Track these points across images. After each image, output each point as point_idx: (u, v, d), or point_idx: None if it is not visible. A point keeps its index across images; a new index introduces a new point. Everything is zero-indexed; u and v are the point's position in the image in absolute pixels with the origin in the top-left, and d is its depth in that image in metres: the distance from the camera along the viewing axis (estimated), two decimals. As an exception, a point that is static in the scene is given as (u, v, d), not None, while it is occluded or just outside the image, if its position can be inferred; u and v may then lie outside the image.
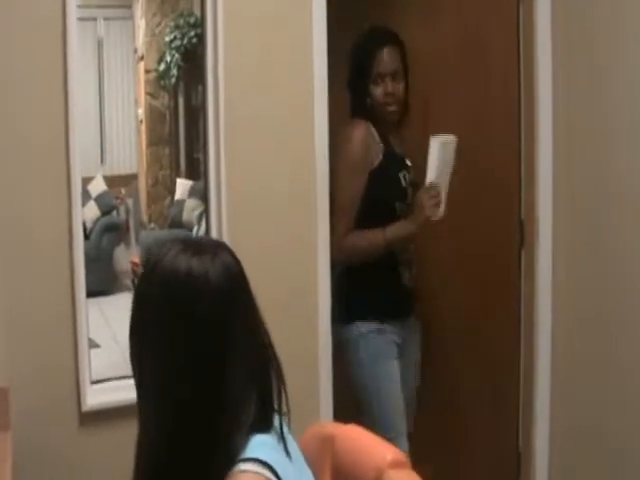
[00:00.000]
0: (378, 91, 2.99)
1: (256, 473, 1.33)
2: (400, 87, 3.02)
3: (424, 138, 3.39)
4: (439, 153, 2.84)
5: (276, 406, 1.49)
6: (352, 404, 3.04)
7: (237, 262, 1.48)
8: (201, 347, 1.39)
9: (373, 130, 3.02)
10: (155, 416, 1.44)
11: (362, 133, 2.96)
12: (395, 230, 2.94)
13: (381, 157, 3.02)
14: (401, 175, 3.08)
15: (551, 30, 3.22)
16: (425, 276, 3.41)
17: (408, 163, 3.17)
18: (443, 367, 3.49)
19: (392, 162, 3.05)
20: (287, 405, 1.52)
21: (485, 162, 3.39)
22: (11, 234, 2.56)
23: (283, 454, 1.42)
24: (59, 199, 2.63)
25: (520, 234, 3.36)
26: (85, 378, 2.69)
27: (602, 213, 3.12)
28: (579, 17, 3.18)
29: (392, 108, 3.04)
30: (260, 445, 1.39)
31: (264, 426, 1.43)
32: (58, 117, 2.62)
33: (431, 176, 2.88)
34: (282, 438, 1.44)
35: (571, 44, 3.22)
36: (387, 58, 2.97)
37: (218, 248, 1.47)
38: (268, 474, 1.34)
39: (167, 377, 1.41)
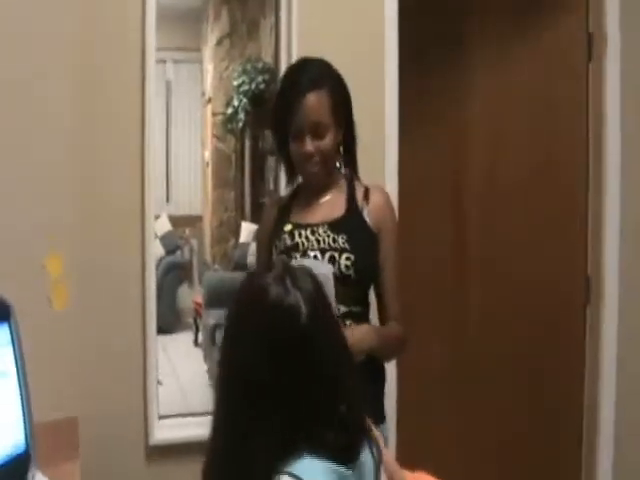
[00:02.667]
0: (295, 150, 2.37)
1: None
2: (325, 143, 2.34)
3: (491, 187, 3.41)
4: None
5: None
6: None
7: (319, 288, 1.50)
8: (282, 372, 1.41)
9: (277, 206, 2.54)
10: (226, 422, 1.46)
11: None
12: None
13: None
14: (287, 235, 2.42)
15: (620, 89, 3.22)
16: (489, 333, 3.38)
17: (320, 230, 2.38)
18: (505, 426, 3.43)
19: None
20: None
21: (551, 217, 3.36)
22: (88, 267, 2.63)
23: None
24: (134, 234, 2.72)
25: (586, 291, 3.33)
26: (153, 412, 2.76)
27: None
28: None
29: (312, 170, 2.38)
30: (308, 466, 1.39)
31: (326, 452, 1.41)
32: (135, 155, 2.72)
33: None
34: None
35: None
36: (307, 109, 2.32)
37: (305, 276, 1.49)
38: None
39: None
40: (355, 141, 2.45)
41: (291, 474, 1.35)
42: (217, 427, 1.47)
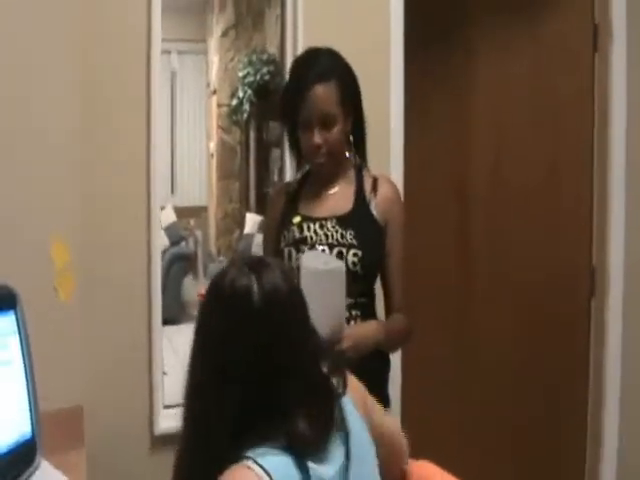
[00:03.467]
0: (304, 141, 2.40)
1: (255, 473, 1.35)
2: (333, 134, 2.36)
3: (495, 179, 3.40)
4: (309, 287, 1.72)
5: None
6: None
7: (287, 279, 1.51)
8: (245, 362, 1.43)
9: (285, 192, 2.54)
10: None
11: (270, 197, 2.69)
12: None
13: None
14: (296, 228, 2.43)
15: (626, 80, 3.21)
16: (492, 324, 3.39)
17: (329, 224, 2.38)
18: (507, 418, 3.43)
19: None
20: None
21: (556, 210, 3.36)
22: (94, 258, 2.64)
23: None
24: (139, 226, 2.73)
25: (591, 283, 3.34)
26: (158, 401, 2.77)
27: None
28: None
29: (319, 160, 2.39)
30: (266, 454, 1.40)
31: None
32: (141, 147, 2.72)
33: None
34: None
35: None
36: (314, 101, 2.34)
37: (269, 266, 1.51)
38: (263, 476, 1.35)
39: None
40: (364, 130, 2.46)
41: (254, 461, 1.37)
42: (184, 410, 1.49)
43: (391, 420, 1.81)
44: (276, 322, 1.46)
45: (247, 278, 1.45)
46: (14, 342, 1.99)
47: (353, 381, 1.65)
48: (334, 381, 1.54)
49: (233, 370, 1.43)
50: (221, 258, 4.70)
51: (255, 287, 1.44)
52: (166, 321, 2.85)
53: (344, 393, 1.54)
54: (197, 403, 1.47)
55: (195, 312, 3.96)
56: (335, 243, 2.32)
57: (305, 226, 2.37)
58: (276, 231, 2.45)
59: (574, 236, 3.36)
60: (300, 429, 1.42)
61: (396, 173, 2.99)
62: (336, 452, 1.48)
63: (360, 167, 2.47)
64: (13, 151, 2.38)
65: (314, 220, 2.38)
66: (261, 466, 1.36)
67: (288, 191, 2.52)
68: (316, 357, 1.53)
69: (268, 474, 1.35)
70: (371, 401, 1.71)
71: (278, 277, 1.50)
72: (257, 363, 1.43)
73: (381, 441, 1.62)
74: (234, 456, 1.39)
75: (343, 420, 1.51)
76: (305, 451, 1.42)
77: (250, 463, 1.36)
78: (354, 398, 1.59)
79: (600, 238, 3.30)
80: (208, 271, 4.78)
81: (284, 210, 2.47)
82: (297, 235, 2.37)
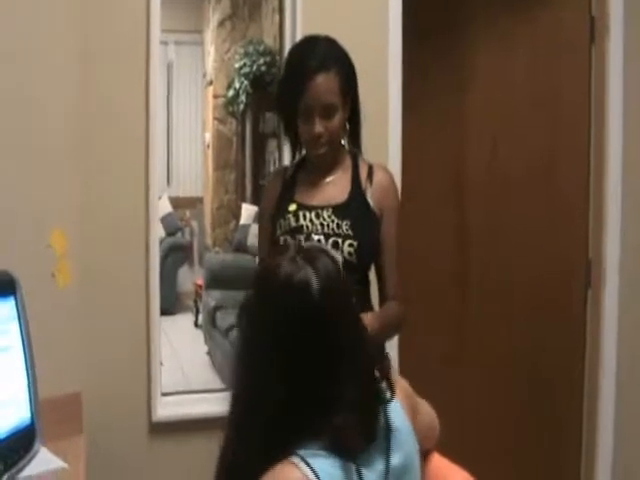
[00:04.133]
0: (304, 131, 2.38)
1: (301, 471, 1.35)
2: (333, 123, 2.35)
3: (493, 171, 3.41)
4: None
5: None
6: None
7: (338, 268, 1.50)
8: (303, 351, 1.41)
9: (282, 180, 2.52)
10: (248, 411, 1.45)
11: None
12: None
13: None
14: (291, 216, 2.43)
15: (623, 71, 3.22)
16: (488, 315, 3.40)
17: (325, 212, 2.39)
18: (502, 412, 3.44)
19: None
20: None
21: (553, 200, 3.36)
22: (93, 248, 2.63)
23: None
24: (137, 216, 2.73)
25: (587, 274, 3.35)
26: (156, 388, 2.78)
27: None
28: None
29: (321, 151, 2.38)
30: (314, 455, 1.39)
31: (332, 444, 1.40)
32: (139, 134, 2.71)
33: None
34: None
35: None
36: (317, 91, 2.31)
37: (321, 254, 1.50)
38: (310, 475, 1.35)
39: (264, 378, 1.42)
40: (359, 118, 2.45)
41: (303, 459, 1.36)
42: (235, 405, 1.47)
43: (427, 407, 1.80)
44: (335, 311, 1.45)
45: (304, 270, 1.43)
46: (14, 328, 1.99)
47: (401, 382, 1.64)
48: (383, 385, 1.52)
49: (287, 365, 1.41)
50: (217, 248, 4.69)
51: (314, 279, 1.42)
52: (161, 311, 2.85)
53: (392, 398, 1.52)
54: (247, 397, 1.45)
55: (190, 302, 3.93)
56: (331, 233, 2.32)
57: (301, 214, 2.37)
58: (272, 218, 2.46)
59: (571, 228, 3.37)
60: (347, 430, 1.41)
61: (394, 163, 2.99)
62: (378, 458, 1.46)
63: (355, 155, 2.48)
64: (12, 138, 2.38)
65: (310, 208, 2.38)
66: (310, 466, 1.36)
67: (285, 177, 2.52)
68: (369, 353, 1.52)
69: (317, 476, 1.35)
70: (416, 399, 1.71)
71: (330, 265, 1.48)
72: (312, 356, 1.41)
73: (419, 429, 1.61)
74: (281, 451, 1.38)
75: (388, 426, 1.49)
76: (351, 454, 1.41)
77: (298, 461, 1.36)
78: (403, 402, 1.58)
79: (596, 230, 3.31)
80: (203, 261, 4.78)
81: (280, 196, 2.47)
82: (293, 224, 2.37)
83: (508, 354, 3.40)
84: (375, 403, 1.48)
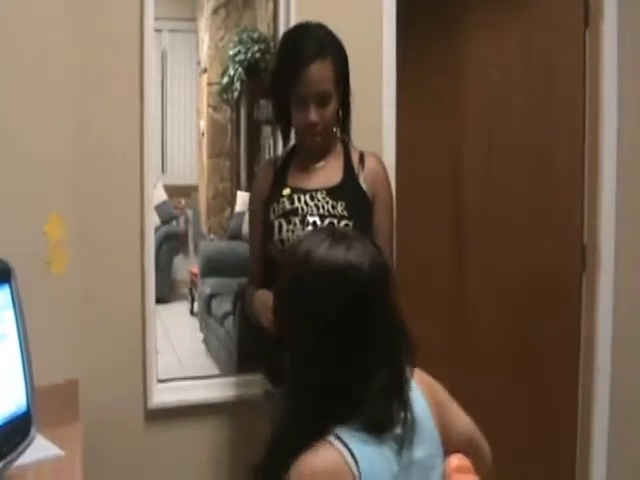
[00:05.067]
0: (298, 118, 2.38)
1: (337, 450, 1.40)
2: (328, 111, 2.35)
3: (488, 158, 3.41)
4: None
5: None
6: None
7: (380, 252, 1.54)
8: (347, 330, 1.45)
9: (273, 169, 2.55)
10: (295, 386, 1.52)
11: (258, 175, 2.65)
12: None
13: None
14: (286, 199, 2.42)
15: (617, 55, 3.22)
16: (484, 301, 3.40)
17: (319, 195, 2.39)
18: (499, 399, 3.44)
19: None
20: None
21: (548, 186, 3.37)
22: (88, 236, 2.64)
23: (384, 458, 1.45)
24: (132, 205, 2.73)
25: (582, 260, 3.35)
26: (152, 375, 2.79)
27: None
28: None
29: (316, 139, 2.39)
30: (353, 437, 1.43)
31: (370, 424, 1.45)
32: (134, 123, 2.71)
33: None
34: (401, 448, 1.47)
35: (637, 69, 3.22)
36: (312, 79, 2.30)
37: (363, 240, 1.54)
38: (349, 459, 1.39)
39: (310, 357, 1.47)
40: (349, 105, 2.47)
41: (339, 438, 1.41)
42: (287, 389, 1.55)
43: (467, 421, 1.82)
44: (384, 285, 1.50)
45: (355, 252, 1.47)
46: (9, 316, 1.99)
47: (422, 374, 1.69)
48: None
49: (334, 346, 1.45)
50: (212, 236, 4.68)
51: (363, 258, 1.47)
52: (156, 300, 2.85)
53: (411, 377, 1.57)
54: (300, 373, 1.49)
55: (185, 290, 3.91)
56: (326, 214, 2.33)
57: (296, 197, 2.38)
58: (263, 204, 2.46)
59: (566, 214, 3.38)
60: (382, 411, 1.46)
61: (388, 152, 2.99)
62: (405, 447, 1.50)
63: (346, 142, 2.49)
64: (7, 126, 2.38)
65: (304, 191, 2.39)
66: (346, 445, 1.41)
67: (275, 165, 2.53)
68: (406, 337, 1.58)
69: (352, 454, 1.40)
70: (445, 398, 1.74)
71: (368, 243, 1.54)
72: (358, 335, 1.46)
73: (458, 441, 1.67)
74: (319, 431, 1.43)
75: (413, 418, 1.52)
76: (385, 432, 1.46)
77: (334, 440, 1.41)
78: (422, 388, 1.62)
79: (591, 216, 3.32)
80: (198, 249, 4.77)
81: (272, 183, 2.48)
82: (288, 206, 2.38)
83: (504, 340, 3.42)
84: (406, 389, 1.53)
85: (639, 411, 3.27)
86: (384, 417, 1.46)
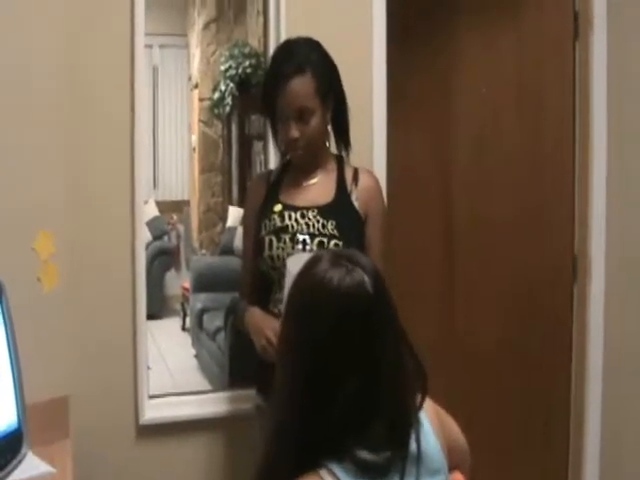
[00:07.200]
0: (281, 134, 2.41)
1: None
2: (310, 126, 2.34)
3: (479, 167, 3.41)
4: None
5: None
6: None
7: (380, 276, 1.50)
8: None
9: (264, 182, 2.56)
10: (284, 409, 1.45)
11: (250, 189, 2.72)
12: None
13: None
14: (277, 216, 2.41)
15: (607, 67, 3.23)
16: (475, 311, 3.40)
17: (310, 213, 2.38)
18: (490, 405, 3.44)
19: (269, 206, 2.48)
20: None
21: (538, 197, 3.38)
22: (79, 252, 2.63)
23: None
24: (123, 221, 2.73)
25: (573, 270, 3.35)
26: (143, 391, 2.78)
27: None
28: (635, 55, 3.21)
29: (297, 152, 2.41)
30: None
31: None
32: (125, 138, 2.71)
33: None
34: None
35: (626, 81, 3.24)
36: (290, 95, 2.32)
37: (362, 262, 1.49)
38: None
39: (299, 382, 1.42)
40: (347, 118, 2.48)
41: (330, 470, 1.36)
42: (277, 410, 1.48)
43: (457, 431, 1.79)
44: (388, 307, 1.47)
45: (357, 273, 1.43)
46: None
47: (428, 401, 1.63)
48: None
49: (337, 370, 1.40)
50: (203, 251, 4.68)
51: (366, 278, 1.43)
52: (148, 316, 2.84)
53: (420, 408, 1.52)
54: (288, 403, 1.43)
55: (177, 305, 3.90)
56: (316, 233, 2.33)
57: (286, 214, 2.38)
58: (256, 219, 2.46)
59: (556, 224, 3.39)
60: (381, 448, 1.40)
61: (379, 165, 3.00)
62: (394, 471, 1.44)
63: (340, 158, 2.49)
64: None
65: (295, 209, 2.39)
66: (336, 477, 1.35)
67: (269, 180, 2.53)
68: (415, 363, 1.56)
69: None
70: (444, 416, 1.71)
71: (369, 262, 1.50)
72: (361, 359, 1.41)
73: (451, 453, 1.62)
74: (311, 462, 1.38)
75: (419, 451, 1.47)
76: (381, 474, 1.40)
77: (324, 473, 1.36)
78: (429, 415, 1.58)
79: (582, 226, 3.32)
80: (190, 265, 4.77)
81: (265, 198, 2.48)
82: (278, 223, 2.38)
83: (495, 348, 3.42)
84: (410, 421, 1.47)
85: (631, 418, 3.28)
86: (379, 459, 1.40)
